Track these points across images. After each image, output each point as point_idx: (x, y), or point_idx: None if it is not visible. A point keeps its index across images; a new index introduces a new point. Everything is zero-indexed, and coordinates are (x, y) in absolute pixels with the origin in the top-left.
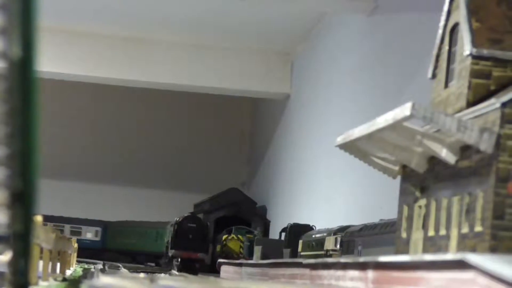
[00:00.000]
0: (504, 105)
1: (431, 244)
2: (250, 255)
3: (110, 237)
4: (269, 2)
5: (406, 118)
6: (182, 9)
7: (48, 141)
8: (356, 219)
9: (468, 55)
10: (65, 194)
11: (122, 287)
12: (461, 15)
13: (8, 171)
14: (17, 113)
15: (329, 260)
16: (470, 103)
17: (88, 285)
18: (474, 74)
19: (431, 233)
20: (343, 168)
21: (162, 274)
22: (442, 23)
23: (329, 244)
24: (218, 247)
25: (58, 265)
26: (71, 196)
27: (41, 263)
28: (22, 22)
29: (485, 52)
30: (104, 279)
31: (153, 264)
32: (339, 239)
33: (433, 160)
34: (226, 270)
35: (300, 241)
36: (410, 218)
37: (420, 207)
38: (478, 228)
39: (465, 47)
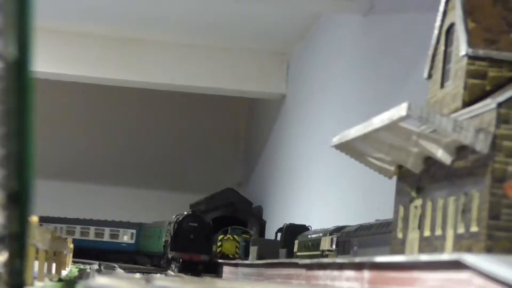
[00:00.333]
0: (500, 105)
1: (426, 244)
2: (246, 256)
3: (141, 239)
4: (265, 2)
5: (402, 118)
6: (177, 9)
7: (40, 142)
8: (352, 220)
9: (464, 56)
10: (57, 194)
11: (118, 287)
12: (457, 16)
13: (3, 172)
14: (12, 113)
15: (325, 260)
16: (466, 103)
17: (83, 285)
18: (470, 74)
19: (427, 233)
20: (339, 168)
21: (158, 275)
22: (438, 23)
23: (325, 244)
24: (214, 248)
25: (54, 265)
26: (65, 196)
27: (36, 263)
28: (18, 23)
29: (480, 52)
30: (100, 280)
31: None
32: (335, 239)
33: (429, 161)
34: (225, 271)
35: (296, 242)
36: (406, 218)
37: (416, 207)
38: (474, 229)
39: (461, 47)
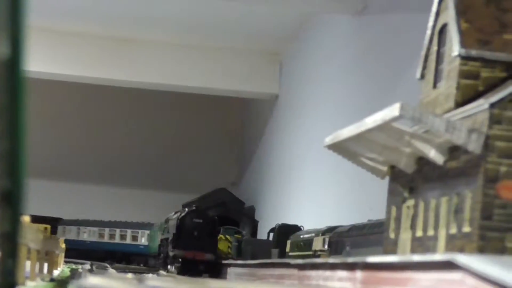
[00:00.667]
0: (492, 105)
1: (419, 245)
2: (238, 255)
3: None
4: (257, 3)
5: (394, 119)
6: (170, 9)
7: (33, 141)
8: (344, 220)
9: (456, 56)
10: (49, 194)
11: (110, 287)
12: (449, 16)
13: None
14: (4, 112)
15: (317, 260)
16: (459, 104)
17: (75, 285)
18: (462, 74)
19: (419, 233)
20: (332, 168)
21: (150, 275)
22: (430, 23)
23: (317, 244)
24: None
25: (46, 265)
26: (55, 196)
27: (28, 263)
28: (10, 22)
29: (473, 52)
30: (92, 280)
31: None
32: (327, 239)
33: (422, 161)
34: (230, 272)
35: (288, 242)
36: (398, 219)
37: (408, 207)
38: (466, 229)
39: (454, 47)
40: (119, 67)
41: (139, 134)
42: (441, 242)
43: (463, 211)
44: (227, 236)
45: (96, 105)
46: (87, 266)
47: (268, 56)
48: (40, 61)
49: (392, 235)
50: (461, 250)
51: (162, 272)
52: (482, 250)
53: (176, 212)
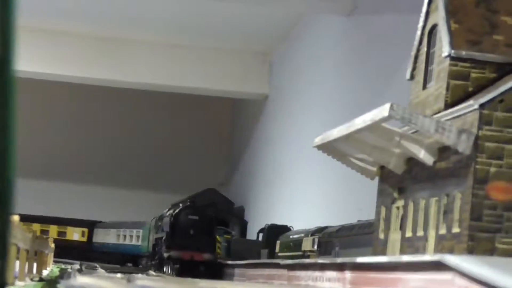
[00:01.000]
0: (482, 106)
1: (408, 245)
2: (227, 256)
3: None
4: (248, 3)
5: (384, 119)
6: (160, 9)
7: (22, 141)
8: (334, 220)
9: (446, 57)
10: (40, 194)
11: (99, 287)
12: (439, 17)
13: None
14: None
15: (307, 261)
16: (449, 105)
17: (65, 285)
18: (452, 75)
19: (408, 234)
20: (321, 169)
21: (140, 274)
22: (420, 24)
23: (307, 245)
24: None
25: (35, 265)
26: (41, 195)
27: (17, 263)
28: (0, 21)
29: (463, 53)
30: (81, 279)
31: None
32: (316, 240)
33: (411, 161)
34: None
35: (278, 242)
36: (387, 219)
37: (398, 208)
38: (455, 229)
39: (444, 48)
40: (109, 67)
41: (128, 134)
42: (431, 242)
43: (452, 212)
44: (216, 236)
45: (87, 105)
46: (76, 266)
47: (258, 56)
48: (30, 60)
49: (381, 236)
50: (451, 250)
51: (151, 272)
52: (471, 250)
53: (169, 209)
